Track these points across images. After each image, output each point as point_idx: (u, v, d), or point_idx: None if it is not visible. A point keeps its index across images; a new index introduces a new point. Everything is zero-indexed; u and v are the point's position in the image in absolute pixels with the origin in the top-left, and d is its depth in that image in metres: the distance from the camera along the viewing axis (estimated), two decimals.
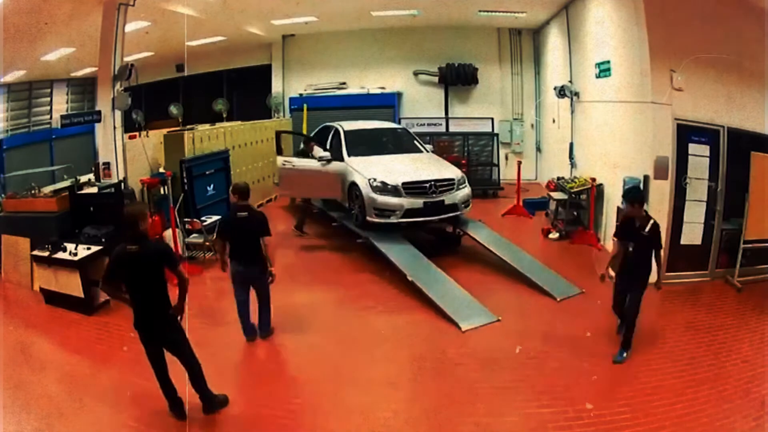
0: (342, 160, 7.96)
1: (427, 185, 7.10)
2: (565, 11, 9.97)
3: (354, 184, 7.46)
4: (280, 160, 8.80)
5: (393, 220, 7.01)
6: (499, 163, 12.26)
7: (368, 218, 7.15)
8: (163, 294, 3.89)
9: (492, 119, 12.48)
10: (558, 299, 5.96)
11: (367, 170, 7.39)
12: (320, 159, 8.18)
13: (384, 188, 7.06)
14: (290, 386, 4.48)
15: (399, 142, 8.75)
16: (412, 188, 7.07)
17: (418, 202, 7.03)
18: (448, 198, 7.21)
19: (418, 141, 8.78)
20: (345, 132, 8.46)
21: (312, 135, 9.81)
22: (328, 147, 8.39)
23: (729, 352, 4.75)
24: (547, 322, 5.56)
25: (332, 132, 8.84)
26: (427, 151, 8.51)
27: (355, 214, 7.54)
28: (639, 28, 6.22)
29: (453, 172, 7.54)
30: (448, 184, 7.27)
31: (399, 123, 12.61)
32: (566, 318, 5.61)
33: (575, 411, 3.94)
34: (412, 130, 12.42)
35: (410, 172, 7.35)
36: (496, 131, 12.57)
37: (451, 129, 12.77)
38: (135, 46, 10.36)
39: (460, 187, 7.41)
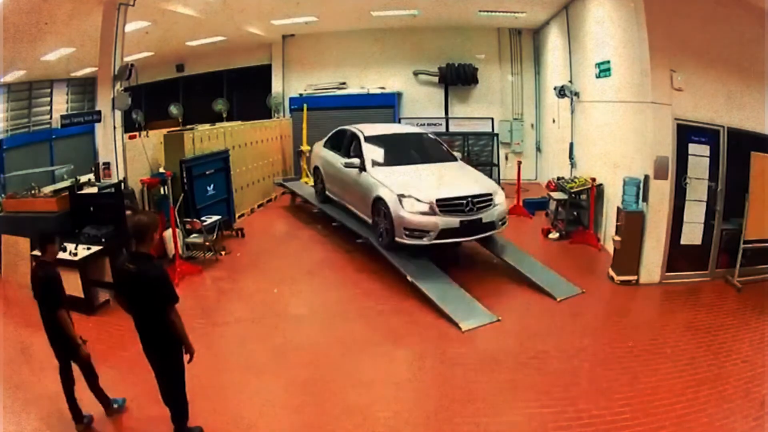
0: (363, 170, 7.20)
1: (465, 202, 6.31)
2: (565, 11, 9.97)
3: (379, 199, 6.58)
4: (328, 153, 8.55)
5: (426, 241, 6.21)
6: (499, 163, 12.27)
7: (397, 239, 6.35)
8: (159, 321, 3.47)
9: (492, 119, 12.50)
10: (558, 299, 5.95)
11: (395, 183, 6.55)
12: (348, 165, 7.40)
13: (416, 206, 6.25)
14: (290, 385, 4.48)
15: (427, 150, 7.91)
16: (448, 205, 6.25)
17: (454, 221, 6.23)
18: (486, 215, 6.39)
19: (446, 148, 8.01)
20: (366, 138, 7.63)
21: (325, 140, 9.23)
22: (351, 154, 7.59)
23: (729, 352, 4.74)
24: (547, 322, 5.55)
25: (350, 137, 8.04)
26: (458, 160, 7.73)
27: (380, 233, 6.69)
28: (639, 28, 6.22)
29: (489, 185, 6.79)
30: (486, 200, 6.48)
31: (399, 123, 12.62)
32: (566, 318, 5.61)
33: (575, 411, 3.94)
34: None
35: (444, 186, 6.57)
36: (495, 131, 12.59)
37: (451, 129, 12.77)
38: (135, 46, 10.37)
39: (497, 202, 6.61)
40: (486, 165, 12.15)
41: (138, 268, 3.44)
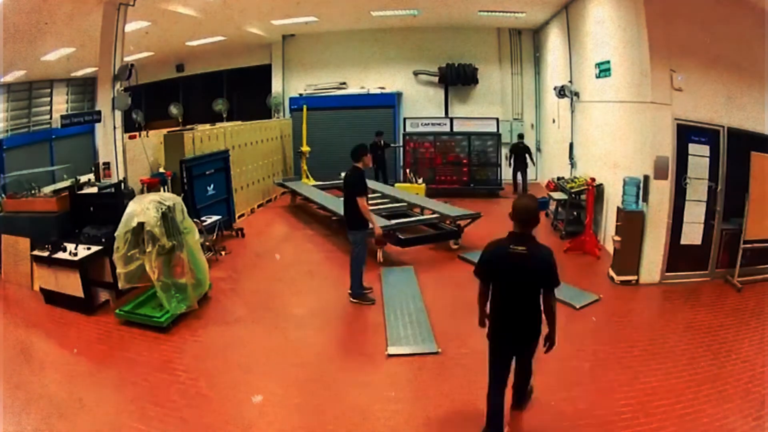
0: None
1: None
2: (565, 11, 9.97)
3: None
4: None
5: None
6: (501, 163, 12.23)
7: None
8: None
9: (497, 119, 12.47)
10: (577, 307, 5.76)
11: None
12: None
13: None
14: (290, 386, 4.48)
15: None
16: None
17: None
18: None
19: None
20: None
21: None
22: None
23: (729, 352, 4.74)
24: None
25: None
26: None
27: None
28: (639, 28, 6.22)
29: None
30: None
31: (403, 123, 12.60)
32: (566, 318, 5.60)
33: (575, 411, 3.93)
34: (416, 130, 12.31)
35: None
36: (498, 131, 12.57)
37: (455, 129, 12.69)
38: (135, 46, 10.38)
39: None
40: (489, 165, 12.13)
41: (530, 251, 3.35)
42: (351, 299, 6.05)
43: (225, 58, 14.15)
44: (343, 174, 6.16)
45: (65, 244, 6.07)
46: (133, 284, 5.67)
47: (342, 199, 6.27)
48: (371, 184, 10.65)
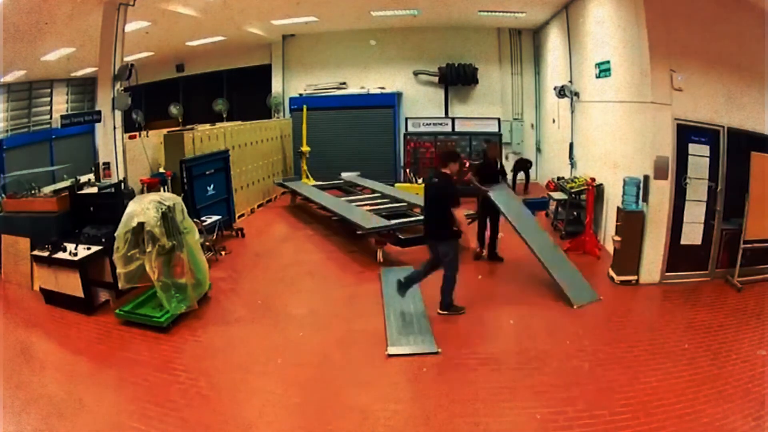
0: None
1: None
2: (565, 11, 9.97)
3: None
4: None
5: None
6: (501, 163, 12.20)
7: None
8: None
9: (499, 119, 12.44)
10: (575, 306, 5.74)
11: None
12: None
13: None
14: (290, 385, 4.48)
15: None
16: None
17: None
18: None
19: None
20: None
21: None
22: None
23: (729, 352, 4.74)
24: (547, 322, 5.55)
25: None
26: None
27: None
28: (639, 28, 6.22)
29: None
30: None
31: (405, 122, 12.59)
32: (566, 318, 5.60)
33: (575, 411, 3.93)
34: (417, 130, 12.21)
35: None
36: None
37: (457, 128, 12.67)
38: (135, 46, 10.38)
39: None
40: None
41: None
42: (439, 312, 5.67)
43: (225, 58, 14.15)
44: (420, 179, 6.26)
45: (65, 244, 6.07)
46: (133, 284, 5.67)
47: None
48: (369, 183, 10.71)
